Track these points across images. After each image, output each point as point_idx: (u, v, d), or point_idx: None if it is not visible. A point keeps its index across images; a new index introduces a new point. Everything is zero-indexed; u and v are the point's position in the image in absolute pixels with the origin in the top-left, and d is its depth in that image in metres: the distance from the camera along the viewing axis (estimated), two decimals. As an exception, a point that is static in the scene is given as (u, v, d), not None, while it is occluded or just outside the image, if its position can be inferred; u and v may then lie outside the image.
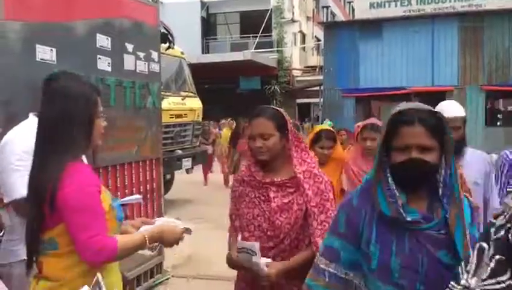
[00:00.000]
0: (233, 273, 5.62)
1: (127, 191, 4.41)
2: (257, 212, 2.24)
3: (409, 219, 1.54)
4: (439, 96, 17.33)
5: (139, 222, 2.11)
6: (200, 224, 6.30)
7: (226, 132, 13.60)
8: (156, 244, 2.06)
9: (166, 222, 2.10)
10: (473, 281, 1.25)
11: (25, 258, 2.26)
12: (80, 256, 1.78)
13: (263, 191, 2.24)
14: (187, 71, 10.20)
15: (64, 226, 1.79)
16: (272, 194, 2.22)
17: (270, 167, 2.27)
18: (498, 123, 17.66)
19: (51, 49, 3.46)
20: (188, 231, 2.10)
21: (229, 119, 13.83)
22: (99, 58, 4.02)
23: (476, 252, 1.28)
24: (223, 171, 12.39)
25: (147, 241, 1.93)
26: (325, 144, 3.56)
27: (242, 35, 26.02)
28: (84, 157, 2.06)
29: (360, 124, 3.49)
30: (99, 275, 1.55)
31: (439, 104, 2.90)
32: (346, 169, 3.38)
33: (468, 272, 1.28)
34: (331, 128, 4.27)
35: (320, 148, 3.55)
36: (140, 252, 2.21)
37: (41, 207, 1.78)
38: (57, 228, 1.80)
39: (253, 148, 2.25)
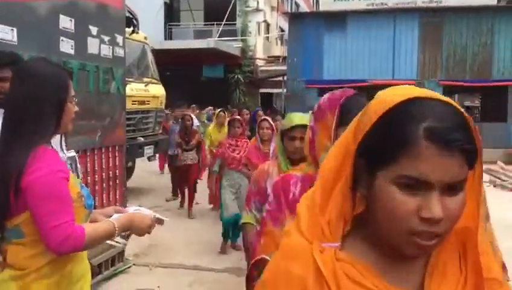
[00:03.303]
0: (194, 262, 5.62)
1: (89, 178, 4.32)
2: None
3: None
4: (399, 90, 17.76)
5: (110, 210, 2.06)
6: (161, 212, 6.17)
7: (212, 130, 8.70)
8: (128, 232, 2.01)
9: (137, 211, 2.06)
10: None
11: None
12: (46, 245, 1.71)
13: None
14: (150, 57, 10.01)
15: (29, 214, 1.72)
16: None
17: None
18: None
19: (12, 29, 3.33)
20: (160, 221, 2.07)
21: (218, 110, 9.01)
22: (62, 40, 3.91)
23: None
24: (209, 187, 7.47)
25: (117, 229, 1.87)
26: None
27: (206, 23, 25.74)
28: (57, 143, 1.97)
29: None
30: None
31: None
32: None
33: None
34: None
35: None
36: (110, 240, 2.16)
37: (5, 193, 1.70)
38: (21, 215, 1.73)
39: None
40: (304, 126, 2.57)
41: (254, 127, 6.43)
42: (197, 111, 15.29)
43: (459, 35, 17.31)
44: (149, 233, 2.03)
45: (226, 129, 6.95)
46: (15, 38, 3.35)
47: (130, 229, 1.99)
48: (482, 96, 19.27)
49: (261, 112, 9.63)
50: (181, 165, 8.05)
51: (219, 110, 8.87)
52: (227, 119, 7.27)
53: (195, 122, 10.76)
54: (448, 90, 18.14)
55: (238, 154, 5.87)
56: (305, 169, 1.88)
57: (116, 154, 4.85)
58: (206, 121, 13.10)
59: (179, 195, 8.60)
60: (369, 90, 17.92)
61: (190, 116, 8.43)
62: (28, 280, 1.75)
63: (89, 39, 4.26)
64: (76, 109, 1.91)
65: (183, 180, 8.22)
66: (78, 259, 1.89)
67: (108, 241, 2.01)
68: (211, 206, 7.96)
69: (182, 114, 9.79)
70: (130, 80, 8.21)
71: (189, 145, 8.02)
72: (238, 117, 6.77)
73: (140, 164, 10.18)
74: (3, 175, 1.72)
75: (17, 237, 1.76)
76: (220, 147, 6.36)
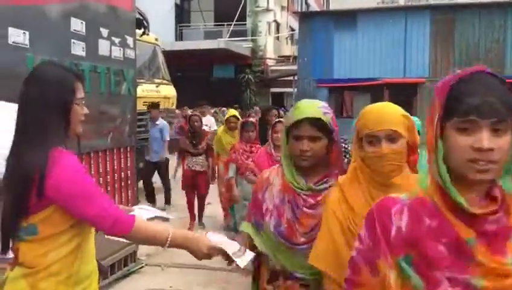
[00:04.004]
0: (207, 262, 5.61)
1: (101, 178, 4.35)
2: None
3: None
4: (411, 88, 17.65)
5: None
6: (171, 213, 6.12)
7: (222, 133, 7.31)
8: None
9: (144, 209, 2.08)
10: None
11: None
12: (97, 227, 1.81)
13: None
14: (161, 58, 10.08)
15: (47, 212, 1.76)
16: None
17: None
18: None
19: (24, 32, 3.36)
20: (164, 220, 2.08)
21: (228, 115, 7.36)
22: (73, 42, 3.94)
23: None
24: (223, 199, 6.99)
25: (169, 240, 1.86)
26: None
27: (216, 23, 25.80)
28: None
29: None
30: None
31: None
32: None
33: None
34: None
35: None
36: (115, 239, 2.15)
37: (25, 194, 1.74)
38: (39, 214, 1.77)
39: None
40: (316, 121, 1.91)
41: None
42: (211, 111, 15.18)
43: (471, 32, 17.15)
44: (208, 258, 1.94)
45: (237, 132, 6.34)
46: (27, 42, 3.39)
47: (183, 248, 1.93)
48: (495, 94, 19.04)
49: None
50: (189, 172, 6.95)
51: (229, 115, 7.26)
52: (241, 121, 6.39)
53: (212, 123, 10.45)
54: (461, 88, 17.96)
55: (252, 161, 5.03)
56: (416, 190, 1.25)
57: (128, 155, 4.87)
58: None
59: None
60: (383, 88, 17.84)
61: (198, 116, 7.34)
62: (38, 278, 1.79)
63: (100, 41, 4.30)
64: (85, 111, 1.93)
65: (191, 190, 7.02)
66: (86, 258, 1.91)
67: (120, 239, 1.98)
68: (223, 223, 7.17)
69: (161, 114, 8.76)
70: (141, 81, 8.27)
71: (197, 149, 6.92)
72: (252, 119, 5.98)
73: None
74: (22, 178, 1.75)
75: (30, 234, 1.79)
76: (232, 152, 5.68)
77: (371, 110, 1.74)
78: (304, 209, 1.97)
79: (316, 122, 1.91)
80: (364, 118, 1.73)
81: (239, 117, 7.21)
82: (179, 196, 8.60)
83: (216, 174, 7.23)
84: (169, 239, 1.86)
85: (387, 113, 1.71)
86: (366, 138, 1.70)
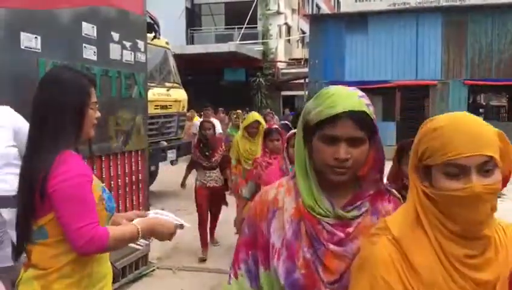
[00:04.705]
0: (218, 265, 5.61)
1: (112, 182, 4.37)
2: None
3: None
4: (423, 90, 17.54)
5: (132, 215, 2.09)
6: (183, 216, 6.00)
7: (240, 139, 6.38)
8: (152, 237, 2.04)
9: (159, 215, 2.09)
10: None
11: None
12: (71, 245, 1.77)
13: None
14: (172, 62, 10.11)
15: (54, 215, 1.78)
16: None
17: None
18: (480, 117, 17.97)
19: (36, 37, 3.39)
20: (180, 226, 2.09)
21: (250, 121, 6.22)
22: (85, 46, 3.96)
23: None
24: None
25: (140, 233, 1.92)
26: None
27: (227, 27, 25.88)
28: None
29: None
30: None
31: None
32: None
33: None
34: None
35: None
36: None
37: (32, 196, 1.77)
38: (47, 216, 1.79)
39: None
40: (359, 116, 1.29)
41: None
42: (223, 114, 15.08)
43: (483, 34, 17.00)
44: (169, 240, 2.06)
45: (260, 139, 5.57)
46: (39, 46, 3.42)
47: (152, 234, 2.02)
48: (509, 95, 18.88)
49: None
50: (203, 189, 5.94)
51: (252, 120, 6.16)
52: (264, 128, 5.37)
53: (218, 128, 10.30)
54: (474, 90, 17.82)
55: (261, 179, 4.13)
56: None
57: (139, 158, 4.89)
58: None
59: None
60: (395, 91, 17.75)
61: (210, 122, 6.32)
62: (50, 279, 1.81)
63: (111, 45, 4.32)
64: (98, 115, 1.95)
65: (205, 217, 6.03)
66: (100, 260, 1.93)
67: (131, 244, 2.01)
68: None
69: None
70: (152, 84, 8.30)
71: (211, 162, 5.89)
72: (276, 126, 5.12)
73: (163, 167, 10.24)
74: (29, 179, 1.79)
75: (41, 237, 1.82)
76: (254, 167, 4.68)
77: (453, 125, 1.13)
78: (330, 246, 1.33)
79: (358, 118, 1.29)
80: (440, 137, 1.13)
81: (262, 122, 6.22)
82: (192, 201, 8.54)
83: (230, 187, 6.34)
84: (139, 232, 1.91)
85: (478, 130, 1.12)
86: (443, 167, 1.13)
